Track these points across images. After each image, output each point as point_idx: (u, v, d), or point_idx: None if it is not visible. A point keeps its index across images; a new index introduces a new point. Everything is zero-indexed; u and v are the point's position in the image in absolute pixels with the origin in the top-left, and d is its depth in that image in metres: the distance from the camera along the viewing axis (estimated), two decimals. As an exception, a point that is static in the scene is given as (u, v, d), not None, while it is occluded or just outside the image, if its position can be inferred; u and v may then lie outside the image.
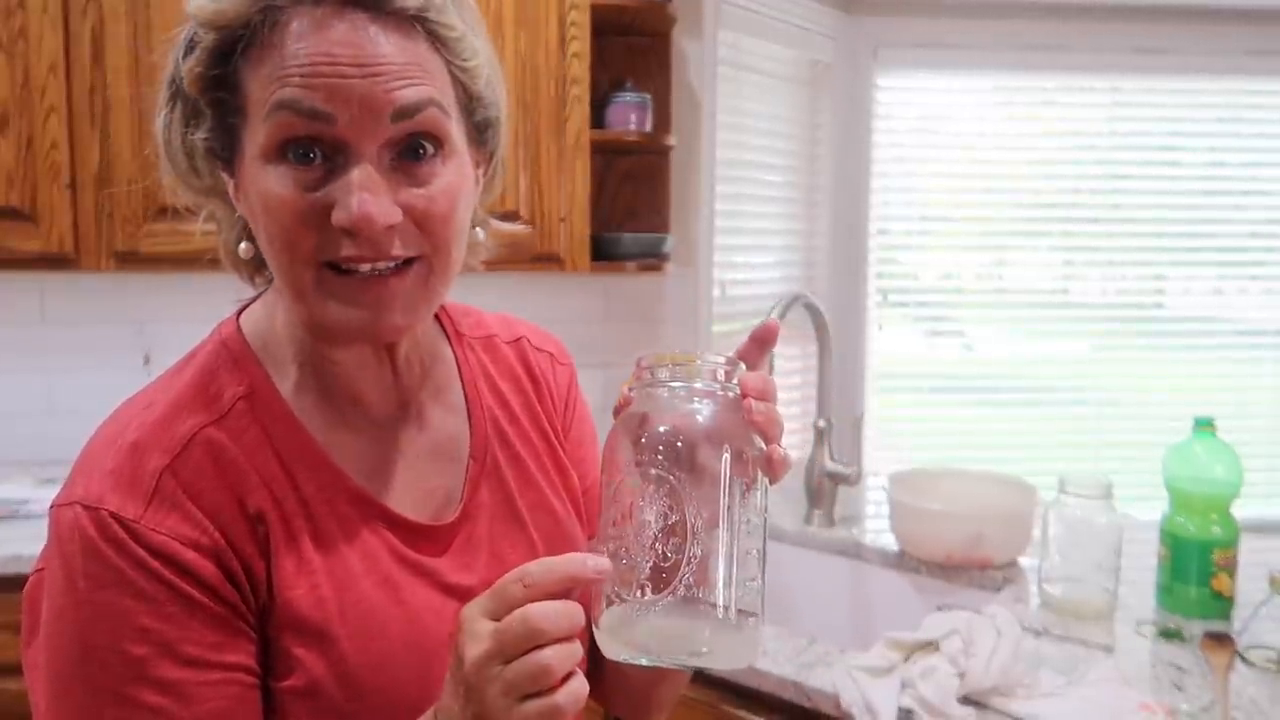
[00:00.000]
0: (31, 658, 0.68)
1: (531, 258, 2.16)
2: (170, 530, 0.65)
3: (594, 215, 2.40)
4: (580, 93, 2.13)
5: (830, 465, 1.88)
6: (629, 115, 2.29)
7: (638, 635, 0.62)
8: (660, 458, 0.63)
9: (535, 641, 0.59)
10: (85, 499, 0.65)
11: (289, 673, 0.69)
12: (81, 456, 0.70)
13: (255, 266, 0.80)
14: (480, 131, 0.75)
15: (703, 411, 0.65)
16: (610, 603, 0.63)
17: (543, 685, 0.59)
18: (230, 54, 0.66)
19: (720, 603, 0.62)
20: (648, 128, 2.33)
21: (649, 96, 2.34)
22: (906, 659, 1.28)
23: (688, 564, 0.62)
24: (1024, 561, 1.72)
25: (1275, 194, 3.18)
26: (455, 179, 0.70)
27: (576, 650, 0.61)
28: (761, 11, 2.69)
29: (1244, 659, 1.30)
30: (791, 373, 2.90)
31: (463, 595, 0.72)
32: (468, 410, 0.84)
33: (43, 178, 2.02)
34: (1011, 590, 1.61)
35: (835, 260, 3.06)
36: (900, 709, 1.21)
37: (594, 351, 2.55)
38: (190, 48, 0.68)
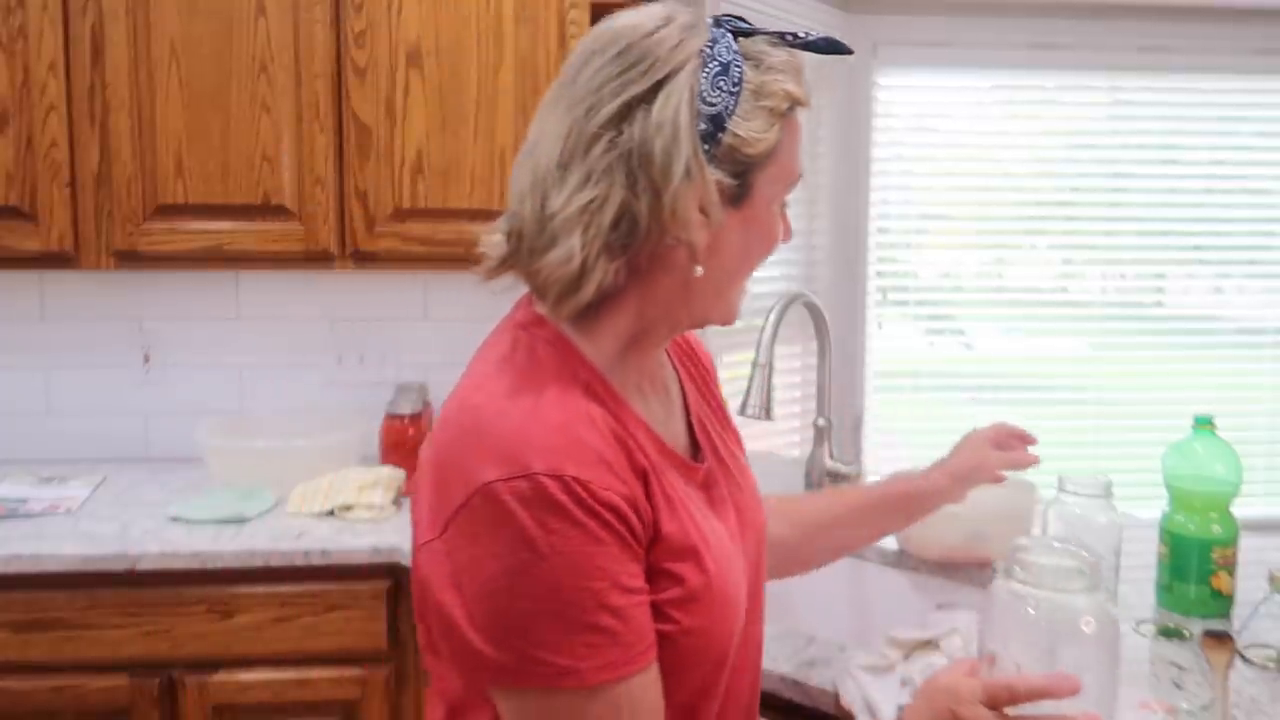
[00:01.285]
0: (454, 614, 0.79)
1: (531, 256, 2.15)
2: (612, 487, 0.79)
3: (594, 214, 2.40)
4: (580, 91, 2.13)
5: (830, 464, 1.88)
6: (629, 114, 2.28)
7: None
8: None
9: None
10: (546, 470, 0.77)
11: (672, 587, 0.84)
12: (491, 443, 0.80)
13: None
14: None
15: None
16: None
17: None
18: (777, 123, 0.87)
19: None
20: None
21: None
22: (906, 657, 1.28)
23: None
24: (1024, 560, 1.72)
25: (1275, 193, 3.18)
26: None
27: None
28: (761, 10, 2.68)
29: (1244, 658, 1.30)
30: (791, 371, 2.90)
31: (724, 521, 0.96)
32: (678, 380, 1.04)
33: (42, 176, 2.02)
34: (1011, 589, 1.61)
35: (835, 258, 3.06)
36: (900, 707, 1.21)
37: (594, 350, 2.55)
38: (728, 107, 0.84)
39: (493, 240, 0.91)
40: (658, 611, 0.83)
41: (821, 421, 1.88)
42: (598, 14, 2.18)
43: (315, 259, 2.13)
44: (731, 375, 2.77)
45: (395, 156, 2.11)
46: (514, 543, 0.76)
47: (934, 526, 1.68)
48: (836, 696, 1.25)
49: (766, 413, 1.73)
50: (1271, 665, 1.29)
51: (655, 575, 0.84)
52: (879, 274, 3.12)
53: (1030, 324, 3.26)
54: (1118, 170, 3.14)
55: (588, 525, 0.77)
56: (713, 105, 0.82)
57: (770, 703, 1.34)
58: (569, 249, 0.82)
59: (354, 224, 2.11)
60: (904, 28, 2.98)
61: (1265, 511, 3.19)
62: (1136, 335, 3.24)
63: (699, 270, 0.87)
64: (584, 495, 0.77)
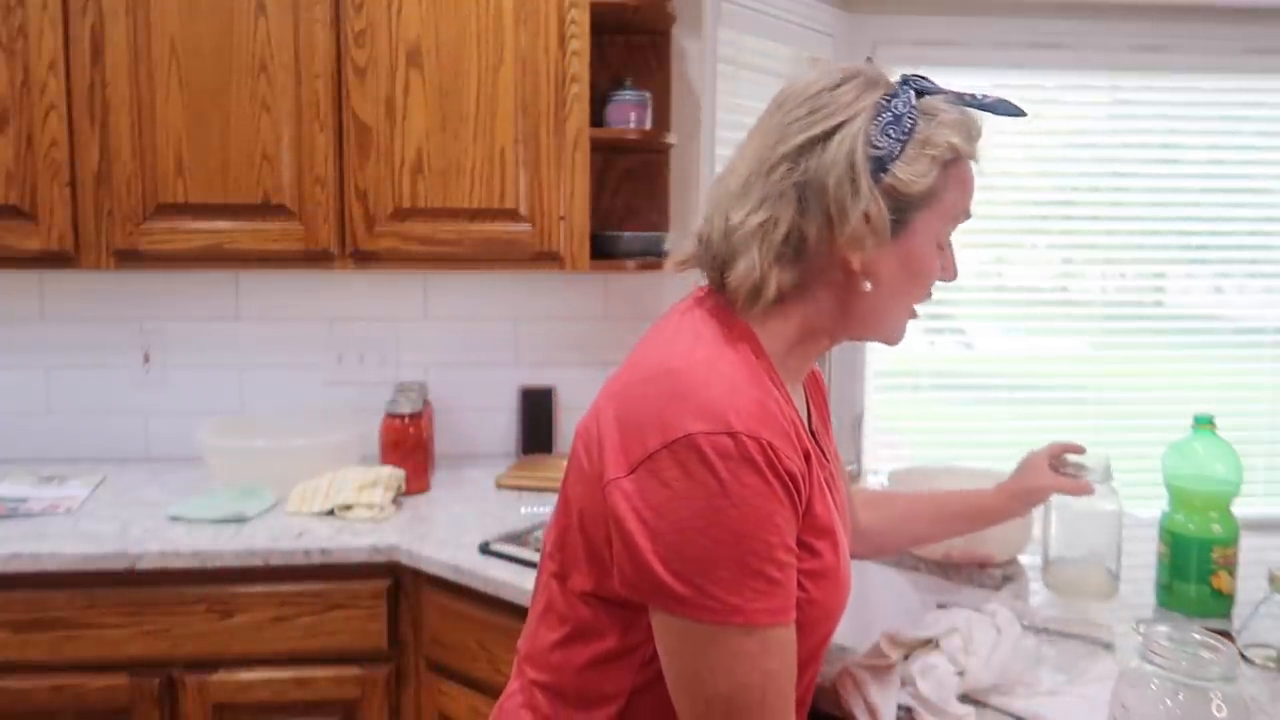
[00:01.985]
0: (641, 545, 0.90)
1: (531, 256, 2.16)
2: (792, 459, 0.92)
3: (593, 213, 2.40)
4: (580, 91, 2.13)
5: (830, 463, 1.88)
6: (628, 113, 2.29)
7: None
8: None
9: None
10: (747, 431, 0.89)
11: (810, 559, 0.97)
12: (697, 399, 0.91)
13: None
14: None
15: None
16: None
17: None
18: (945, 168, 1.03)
19: None
20: (647, 126, 2.33)
21: (649, 95, 2.33)
22: (906, 657, 1.28)
23: None
24: (1024, 559, 1.72)
25: (1275, 192, 3.18)
26: None
27: None
28: (761, 9, 2.68)
29: (1244, 657, 1.30)
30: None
31: (839, 511, 1.09)
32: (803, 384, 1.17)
33: (42, 176, 2.02)
34: (1011, 588, 1.61)
35: (835, 258, 3.05)
36: (900, 707, 1.21)
37: (593, 350, 2.55)
38: (938, 163, 1.03)
39: (684, 243, 1.09)
40: (798, 580, 0.95)
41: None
42: (598, 14, 2.18)
43: (315, 259, 2.13)
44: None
45: (395, 156, 2.11)
46: (708, 489, 0.88)
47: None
48: (836, 695, 1.25)
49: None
50: (1271, 665, 1.29)
51: (800, 546, 0.96)
52: (879, 273, 3.11)
53: (1030, 323, 3.26)
54: (1118, 170, 3.14)
55: (774, 485, 0.89)
56: (879, 149, 0.98)
57: (770, 702, 1.33)
58: (751, 261, 0.99)
59: (354, 223, 2.11)
60: (904, 27, 2.98)
61: (1265, 511, 3.19)
62: (1136, 335, 3.24)
63: (867, 285, 1.02)
64: (775, 459, 0.89)
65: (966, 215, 1.07)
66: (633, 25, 2.39)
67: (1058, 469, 1.43)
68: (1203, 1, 3.00)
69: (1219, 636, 0.99)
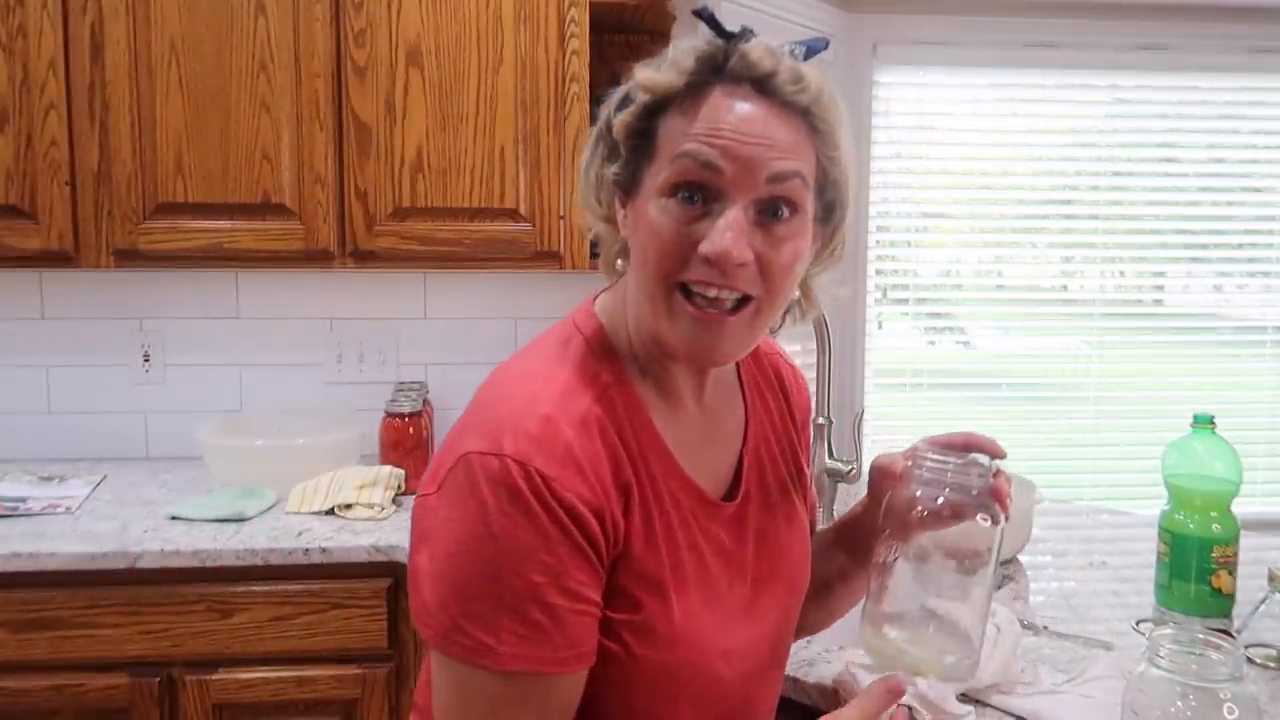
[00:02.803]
0: (419, 564, 0.84)
1: (531, 255, 2.16)
2: (574, 490, 0.81)
3: (593, 212, 2.40)
4: (580, 90, 2.13)
5: (830, 462, 1.88)
6: (628, 112, 2.28)
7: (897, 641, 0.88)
8: (937, 529, 0.90)
9: None
10: (515, 455, 0.80)
11: (629, 609, 0.86)
12: (488, 416, 0.84)
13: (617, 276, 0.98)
14: (828, 210, 0.92)
15: (978, 495, 0.90)
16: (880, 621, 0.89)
17: None
18: (657, 111, 0.87)
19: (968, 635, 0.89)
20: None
21: (648, 94, 2.33)
22: (906, 656, 1.28)
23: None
24: (1023, 558, 1.73)
25: (1275, 191, 3.18)
26: (800, 241, 0.88)
27: None
28: (761, 9, 2.68)
29: (1244, 657, 1.30)
30: (791, 370, 2.90)
31: (738, 565, 0.95)
32: (745, 411, 1.03)
33: (42, 175, 2.02)
34: (1010, 587, 1.61)
35: (835, 257, 3.05)
36: (899, 705, 1.21)
37: (593, 349, 2.55)
38: (625, 102, 0.90)
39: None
40: (609, 629, 0.85)
41: (821, 420, 1.88)
42: (598, 13, 2.18)
43: (315, 258, 2.13)
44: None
45: (395, 155, 2.11)
46: (473, 514, 0.80)
47: (934, 525, 1.68)
48: (836, 695, 1.25)
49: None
50: (1272, 665, 1.29)
51: (616, 593, 0.86)
52: (878, 272, 3.12)
53: (1030, 322, 3.26)
54: (1117, 168, 3.14)
55: (540, 518, 0.79)
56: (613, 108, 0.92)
57: (770, 701, 1.34)
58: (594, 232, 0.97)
59: (354, 223, 2.11)
60: (903, 26, 2.98)
61: (1265, 510, 3.19)
62: (1136, 334, 3.24)
63: (619, 266, 0.95)
64: (543, 489, 0.80)
65: (701, 159, 0.83)
66: (632, 25, 2.39)
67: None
68: (1201, 1, 3.00)
69: (1223, 636, 0.99)
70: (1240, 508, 1.48)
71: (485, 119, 2.12)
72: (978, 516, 0.89)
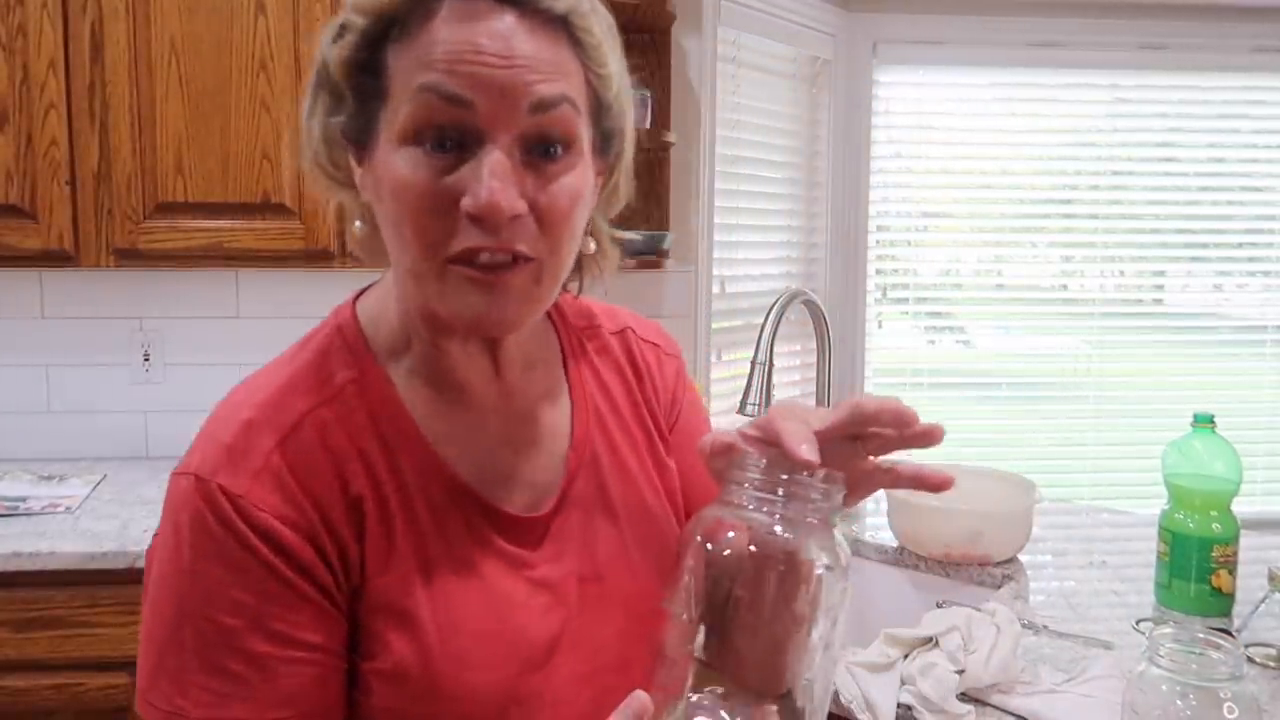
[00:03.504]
0: (143, 612, 0.71)
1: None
2: (273, 509, 0.67)
3: (593, 212, 2.40)
4: (579, 89, 2.13)
5: (830, 462, 1.87)
6: (628, 112, 2.28)
7: None
8: (742, 570, 0.63)
9: None
10: (199, 470, 0.68)
11: (376, 655, 0.70)
12: (201, 429, 0.73)
13: (372, 251, 0.80)
14: (605, 140, 0.76)
15: (792, 534, 0.63)
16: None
17: None
18: (380, 40, 0.69)
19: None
20: (647, 124, 2.32)
21: (648, 93, 2.33)
22: (906, 655, 1.28)
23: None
24: (1023, 558, 1.73)
25: (1275, 190, 3.18)
26: (579, 182, 0.71)
27: None
28: (761, 8, 2.68)
29: (1245, 656, 1.30)
30: (791, 369, 2.90)
31: (552, 588, 0.76)
32: (570, 401, 0.84)
33: (42, 175, 2.02)
34: (1011, 587, 1.61)
35: (835, 256, 3.06)
36: (900, 705, 1.21)
37: (593, 348, 2.55)
38: (340, 33, 0.70)
39: None
40: (361, 682, 0.70)
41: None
42: (597, 12, 2.18)
43: (315, 257, 2.13)
44: (731, 373, 2.78)
45: (395, 155, 2.10)
46: (169, 547, 0.69)
47: (933, 524, 1.68)
48: (836, 694, 1.25)
49: (766, 411, 1.72)
50: (1272, 664, 1.29)
51: (365, 635, 0.70)
52: (879, 272, 3.12)
53: (1029, 322, 3.26)
54: (1117, 168, 3.14)
55: (228, 546, 0.66)
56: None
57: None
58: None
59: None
60: (904, 26, 2.98)
61: (1265, 509, 3.19)
62: (1136, 333, 3.24)
63: (357, 227, 0.78)
64: (227, 510, 0.67)
65: (446, 92, 0.66)
66: (633, 24, 2.39)
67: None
68: (1202, 0, 3.00)
69: (1223, 635, 0.99)
70: (1240, 507, 1.48)
71: (485, 118, 2.11)
72: (816, 559, 0.63)
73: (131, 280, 2.40)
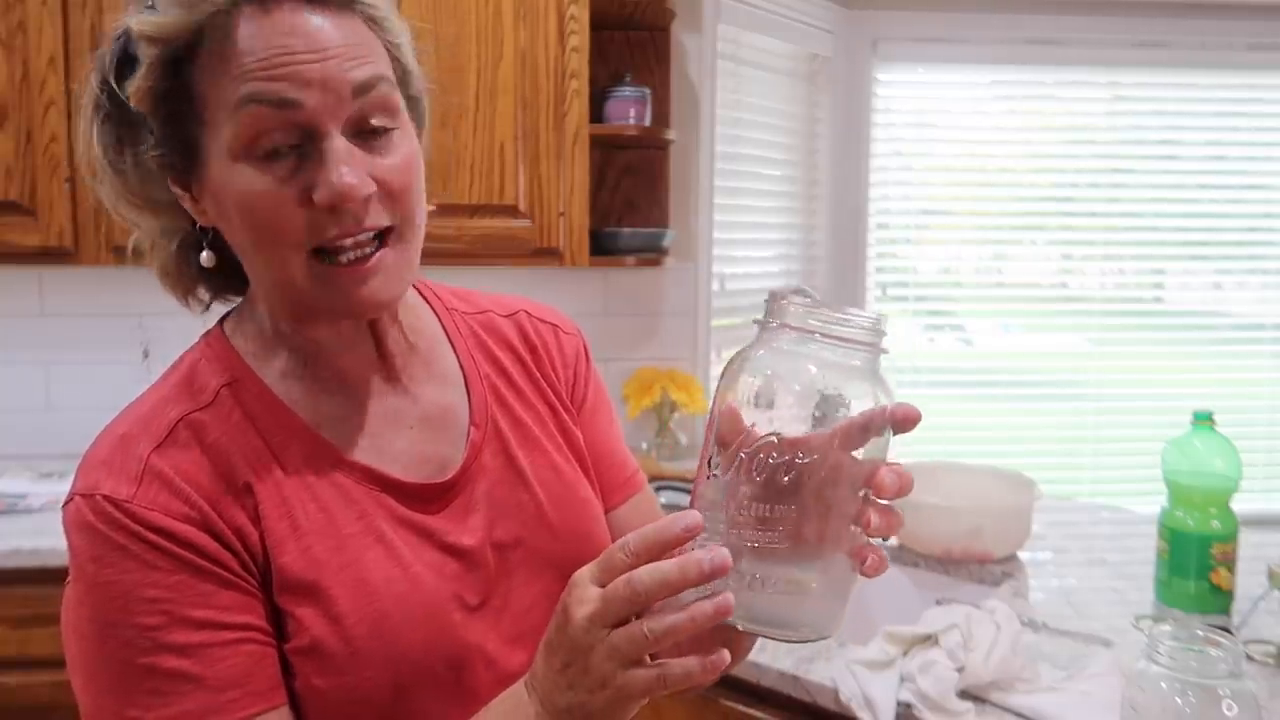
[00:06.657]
0: (68, 657, 0.71)
1: (530, 252, 2.16)
2: (161, 506, 0.69)
3: (593, 209, 2.40)
4: (579, 87, 2.13)
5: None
6: (628, 109, 2.28)
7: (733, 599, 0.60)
8: (782, 411, 0.61)
9: (640, 605, 0.60)
10: (83, 490, 0.70)
11: (292, 634, 0.71)
12: (80, 462, 0.73)
13: (195, 282, 0.82)
14: (414, 104, 0.80)
15: (845, 365, 0.62)
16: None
17: (646, 652, 0.60)
18: (178, 64, 0.69)
19: (816, 572, 0.61)
20: (647, 122, 2.32)
21: (648, 91, 2.33)
22: (905, 653, 1.28)
23: (786, 524, 0.60)
24: (1023, 556, 1.73)
25: (1274, 188, 3.18)
26: (410, 149, 0.75)
27: (683, 623, 0.59)
28: (760, 6, 2.68)
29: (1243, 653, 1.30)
30: (790, 367, 2.89)
31: (463, 554, 0.78)
32: (465, 380, 0.86)
33: (42, 171, 2.02)
34: (1010, 585, 1.62)
35: (834, 254, 3.06)
36: (899, 703, 1.21)
37: (593, 346, 2.55)
38: (129, 64, 0.70)
39: None
40: (287, 663, 0.72)
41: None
42: (597, 10, 2.18)
43: (315, 254, 2.13)
44: (731, 371, 2.77)
45: (395, 152, 2.10)
46: (73, 572, 0.70)
47: (933, 522, 1.68)
48: (836, 692, 1.25)
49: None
50: (1271, 661, 1.29)
51: (281, 618, 0.72)
52: (878, 269, 3.12)
53: (1029, 320, 3.26)
54: (1117, 166, 3.14)
55: (129, 550, 0.67)
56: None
57: (769, 699, 1.34)
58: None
59: (353, 219, 2.11)
60: (903, 24, 2.98)
61: (1264, 507, 3.19)
62: (1135, 331, 3.24)
63: (204, 259, 0.77)
64: (116, 515, 0.68)
65: (271, 99, 0.68)
66: (632, 21, 2.39)
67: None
68: (1202, -3, 3.00)
69: (1222, 633, 0.99)
70: (1239, 504, 1.48)
71: (485, 115, 2.11)
72: (874, 392, 0.62)
73: (131, 277, 2.39)
